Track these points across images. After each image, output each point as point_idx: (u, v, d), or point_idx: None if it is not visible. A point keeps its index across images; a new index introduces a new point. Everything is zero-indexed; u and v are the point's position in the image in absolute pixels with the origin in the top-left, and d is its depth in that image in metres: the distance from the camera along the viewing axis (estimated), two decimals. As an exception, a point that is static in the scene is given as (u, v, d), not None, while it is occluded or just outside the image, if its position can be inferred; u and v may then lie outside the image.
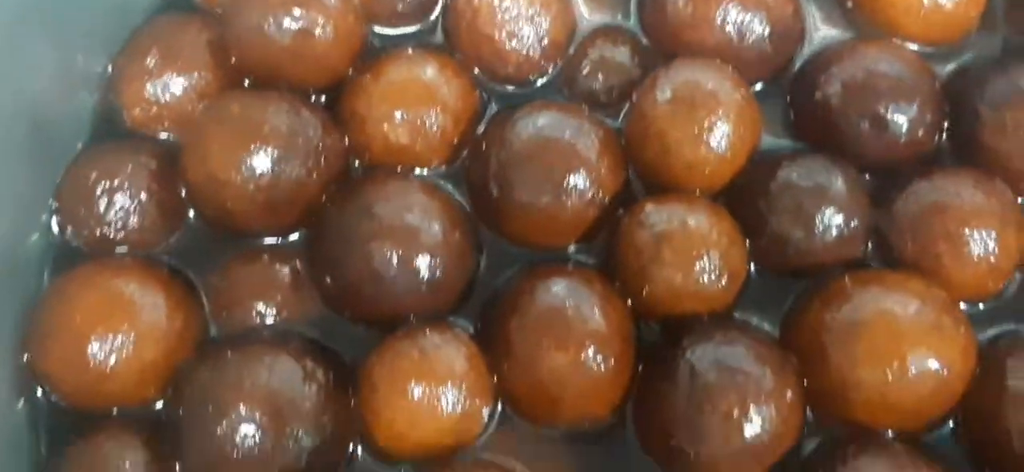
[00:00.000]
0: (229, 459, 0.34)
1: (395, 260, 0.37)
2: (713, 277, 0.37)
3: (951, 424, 0.36)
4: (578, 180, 0.38)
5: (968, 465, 0.36)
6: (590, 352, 0.35)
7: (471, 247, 0.39)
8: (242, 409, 0.34)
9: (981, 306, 0.38)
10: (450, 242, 0.38)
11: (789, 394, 0.35)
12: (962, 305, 0.37)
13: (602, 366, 0.35)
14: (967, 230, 0.37)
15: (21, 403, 0.37)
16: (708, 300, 0.37)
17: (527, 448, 0.37)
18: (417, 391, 0.35)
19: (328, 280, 0.38)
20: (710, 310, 0.37)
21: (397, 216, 0.38)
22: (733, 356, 0.35)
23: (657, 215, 0.38)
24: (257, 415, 0.34)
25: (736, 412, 0.34)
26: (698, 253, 0.37)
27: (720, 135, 0.38)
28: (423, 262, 0.37)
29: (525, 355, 0.36)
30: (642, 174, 0.40)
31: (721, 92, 0.39)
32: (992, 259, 0.37)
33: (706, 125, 0.38)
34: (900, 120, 0.40)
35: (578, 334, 0.35)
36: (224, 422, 0.34)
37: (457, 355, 0.36)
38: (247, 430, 0.34)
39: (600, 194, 0.38)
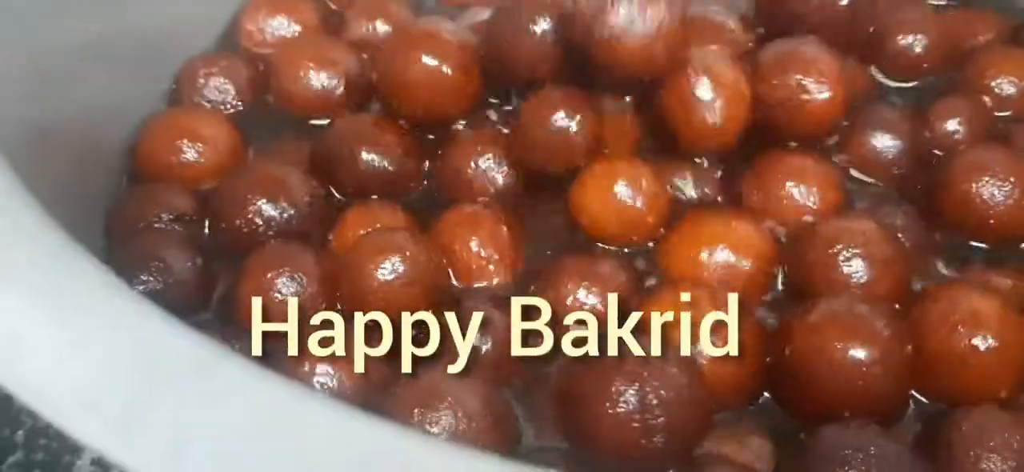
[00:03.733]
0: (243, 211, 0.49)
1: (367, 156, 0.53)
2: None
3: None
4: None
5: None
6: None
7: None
8: (257, 184, 0.50)
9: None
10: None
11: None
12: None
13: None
14: (792, 183, 0.50)
15: (124, 180, 0.55)
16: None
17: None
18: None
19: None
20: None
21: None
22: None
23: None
24: (265, 190, 0.49)
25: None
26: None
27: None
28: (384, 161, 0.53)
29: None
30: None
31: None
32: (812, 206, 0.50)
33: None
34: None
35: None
36: (247, 188, 0.50)
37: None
38: (259, 198, 0.49)
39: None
